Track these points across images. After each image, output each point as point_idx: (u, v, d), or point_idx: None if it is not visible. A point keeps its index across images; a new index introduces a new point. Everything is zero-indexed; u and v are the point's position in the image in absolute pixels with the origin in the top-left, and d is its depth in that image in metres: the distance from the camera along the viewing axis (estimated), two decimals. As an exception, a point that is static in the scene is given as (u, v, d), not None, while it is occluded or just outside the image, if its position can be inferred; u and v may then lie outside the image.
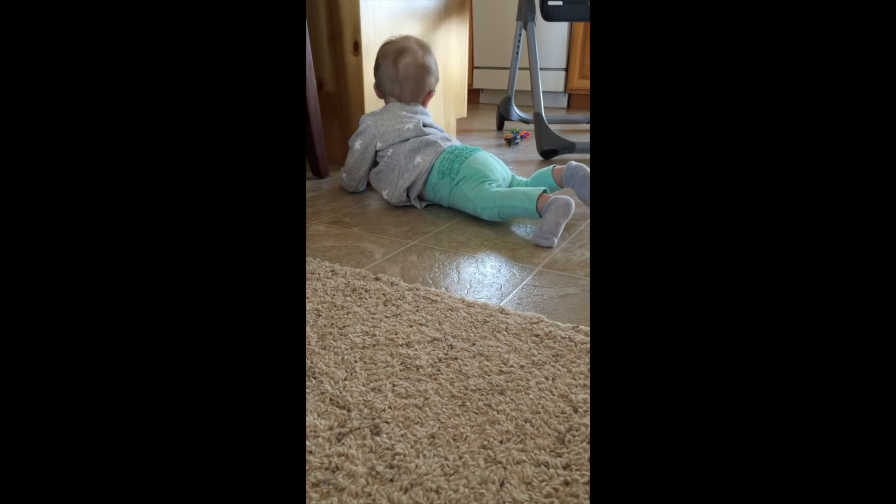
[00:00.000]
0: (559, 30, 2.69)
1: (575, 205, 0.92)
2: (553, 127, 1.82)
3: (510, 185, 1.10)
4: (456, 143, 1.13)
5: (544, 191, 0.95)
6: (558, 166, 1.08)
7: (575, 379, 0.53)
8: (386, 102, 1.21)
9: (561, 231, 0.91)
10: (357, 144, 1.16)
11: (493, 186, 1.01)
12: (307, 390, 0.52)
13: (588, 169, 0.98)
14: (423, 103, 1.21)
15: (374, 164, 1.17)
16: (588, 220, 1.05)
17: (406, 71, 1.15)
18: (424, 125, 1.13)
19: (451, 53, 1.81)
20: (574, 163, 1.04)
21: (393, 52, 1.15)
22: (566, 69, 2.78)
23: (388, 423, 0.47)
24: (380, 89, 1.21)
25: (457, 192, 1.03)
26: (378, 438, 0.45)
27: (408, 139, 1.10)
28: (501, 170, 1.07)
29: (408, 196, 1.10)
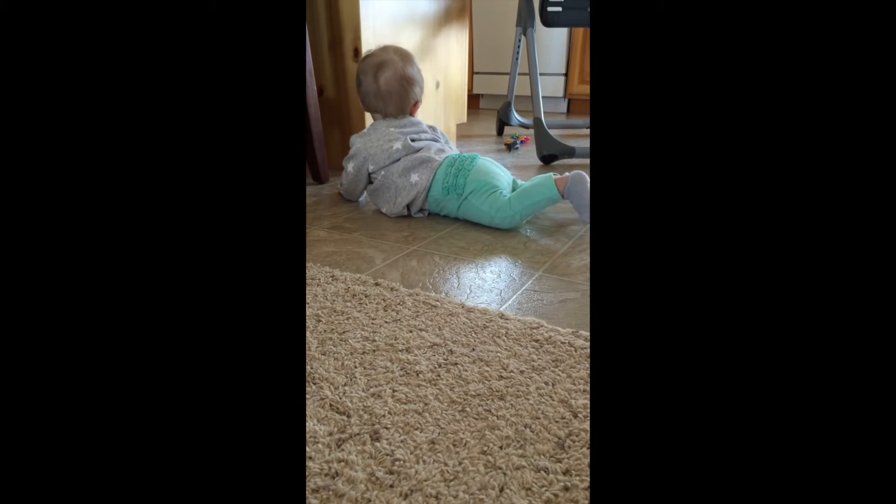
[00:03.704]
0: (559, 35, 2.70)
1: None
2: (553, 132, 1.83)
3: (513, 190, 1.10)
4: (451, 151, 1.11)
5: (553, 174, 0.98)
6: (559, 176, 1.07)
7: (575, 384, 0.53)
8: (373, 118, 1.18)
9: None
10: (350, 167, 1.14)
11: (502, 195, 1.01)
12: (307, 396, 0.52)
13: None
14: (411, 114, 1.17)
15: (370, 181, 1.16)
16: (587, 226, 1.05)
17: (388, 86, 1.11)
18: (413, 140, 1.10)
19: (451, 59, 1.81)
20: (578, 173, 1.00)
21: (372, 67, 1.12)
22: (566, 74, 2.79)
23: (387, 428, 0.47)
24: (365, 105, 1.18)
25: (467, 206, 1.02)
26: (378, 444, 0.45)
27: (398, 159, 1.08)
28: (504, 175, 1.06)
29: (408, 210, 1.09)
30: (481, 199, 1.00)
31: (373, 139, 1.11)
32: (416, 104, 1.17)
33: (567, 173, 0.99)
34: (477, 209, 1.01)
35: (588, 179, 0.96)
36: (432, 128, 1.19)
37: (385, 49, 1.14)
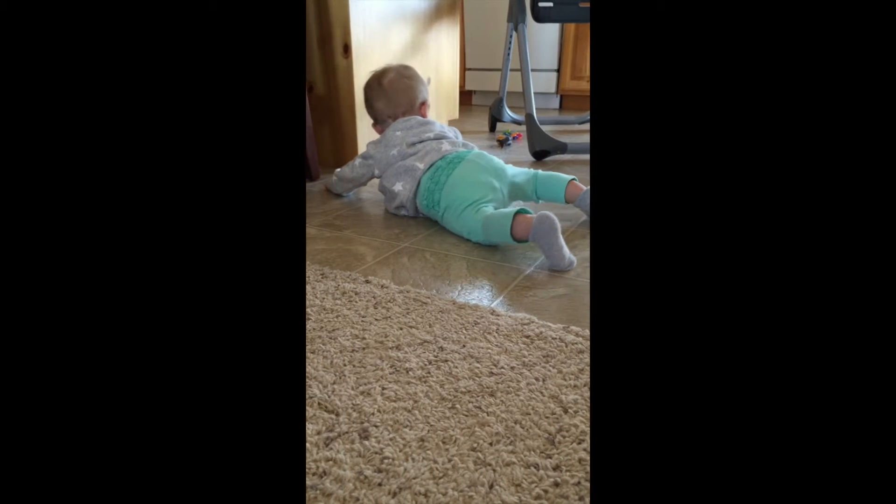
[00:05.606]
0: (551, 31, 2.70)
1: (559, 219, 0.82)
2: (545, 128, 1.82)
3: (532, 179, 1.05)
4: (447, 150, 1.04)
5: (518, 211, 0.84)
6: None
7: (565, 379, 0.53)
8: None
9: (564, 246, 0.81)
10: (357, 161, 1.17)
11: (478, 210, 0.92)
12: (295, 395, 0.51)
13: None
14: (422, 114, 1.18)
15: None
16: (578, 222, 1.05)
17: (391, 84, 1.16)
18: (411, 143, 1.08)
19: (442, 55, 1.81)
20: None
21: (375, 77, 1.19)
22: (558, 70, 2.78)
23: (376, 426, 0.46)
24: (377, 121, 1.20)
25: (445, 223, 1.00)
26: (367, 442, 0.45)
27: (394, 164, 1.08)
28: (490, 179, 0.97)
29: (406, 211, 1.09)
30: (455, 216, 0.95)
31: (381, 146, 1.13)
32: (424, 103, 1.19)
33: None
34: (452, 227, 0.98)
35: (557, 224, 0.80)
36: (454, 131, 1.16)
37: (386, 65, 1.23)
